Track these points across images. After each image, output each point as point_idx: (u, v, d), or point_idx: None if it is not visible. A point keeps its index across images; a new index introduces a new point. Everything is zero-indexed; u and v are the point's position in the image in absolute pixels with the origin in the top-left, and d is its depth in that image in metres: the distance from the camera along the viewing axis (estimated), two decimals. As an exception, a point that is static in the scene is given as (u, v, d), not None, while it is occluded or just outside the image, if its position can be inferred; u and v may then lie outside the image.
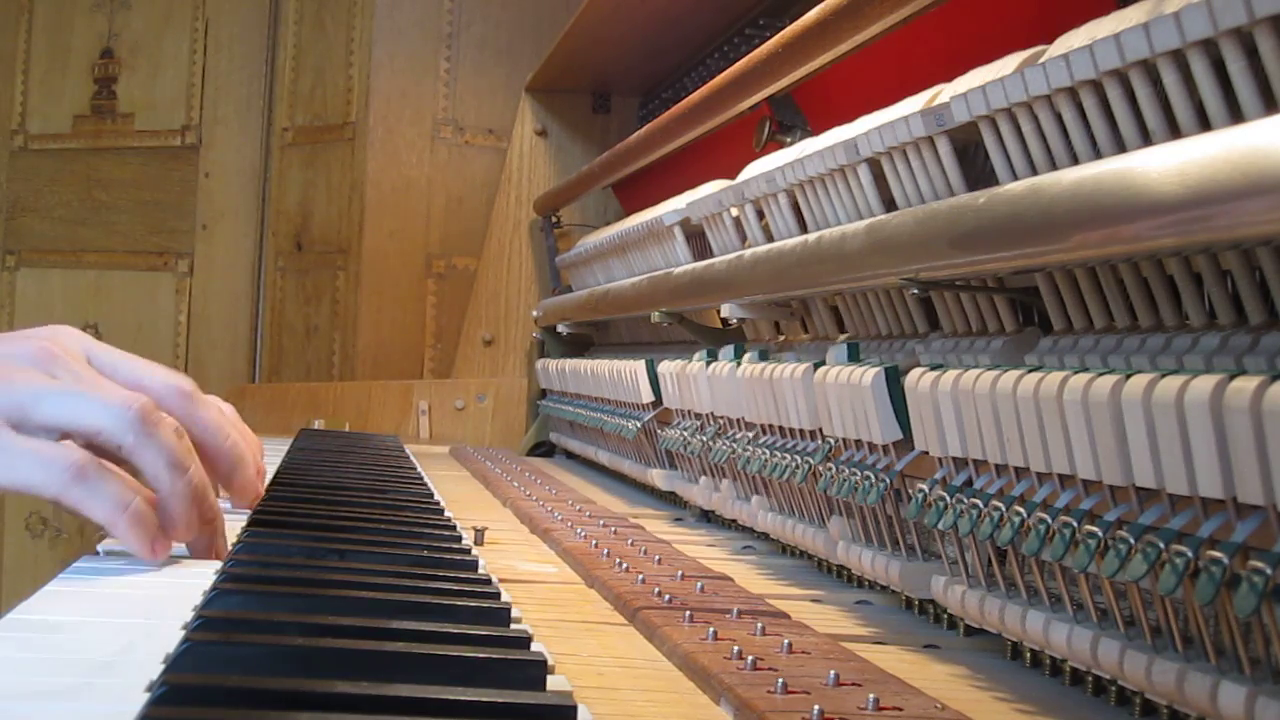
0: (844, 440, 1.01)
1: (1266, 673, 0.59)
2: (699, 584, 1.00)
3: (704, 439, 1.34)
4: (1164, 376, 0.62)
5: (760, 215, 1.26)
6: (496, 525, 1.33)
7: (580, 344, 2.45)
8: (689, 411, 1.43)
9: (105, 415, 0.85)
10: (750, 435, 1.23)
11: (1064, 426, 0.69)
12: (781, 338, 1.38)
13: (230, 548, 0.91)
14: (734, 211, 1.34)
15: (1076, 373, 0.69)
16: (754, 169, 1.28)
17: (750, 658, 0.73)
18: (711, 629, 0.81)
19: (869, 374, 0.93)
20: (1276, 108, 0.60)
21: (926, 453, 0.87)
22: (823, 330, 1.23)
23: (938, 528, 0.83)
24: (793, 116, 1.58)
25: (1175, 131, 0.67)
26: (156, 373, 0.96)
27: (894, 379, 0.92)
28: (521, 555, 1.18)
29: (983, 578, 0.83)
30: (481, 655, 0.63)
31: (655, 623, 0.84)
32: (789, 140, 1.52)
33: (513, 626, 0.74)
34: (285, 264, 3.31)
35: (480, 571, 0.90)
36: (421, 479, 1.56)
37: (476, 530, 1.18)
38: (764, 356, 1.22)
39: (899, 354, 1.03)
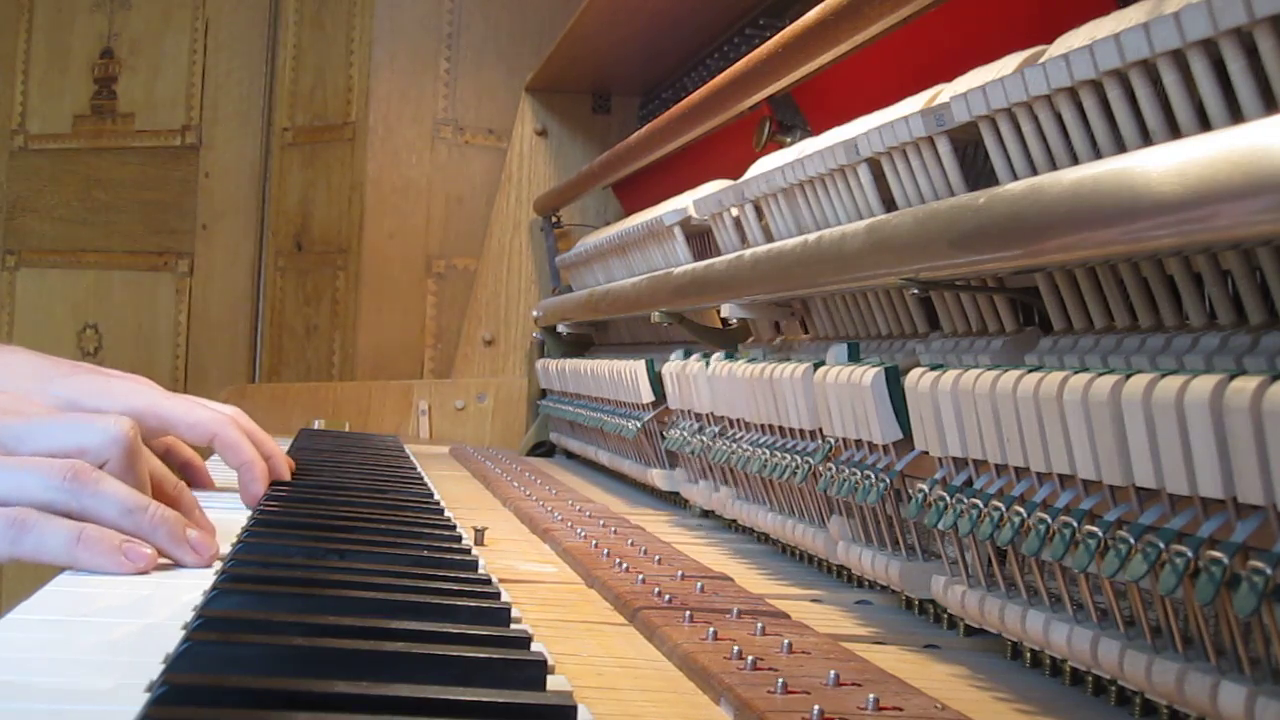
0: (844, 440, 1.01)
1: (1266, 673, 0.59)
2: (699, 584, 1.00)
3: (704, 439, 1.34)
4: (1164, 376, 0.62)
5: (760, 215, 1.26)
6: (496, 525, 1.33)
7: (580, 344, 2.45)
8: (689, 411, 1.43)
9: (44, 489, 0.84)
10: (750, 435, 1.23)
11: (1064, 426, 0.69)
12: (781, 338, 1.38)
13: (230, 547, 0.92)
14: (734, 211, 1.34)
15: (1076, 373, 0.69)
16: (760, 168, 1.28)
17: (750, 658, 0.73)
18: (711, 629, 0.81)
19: (869, 374, 0.93)
20: (1276, 108, 0.60)
21: (926, 453, 0.87)
22: (823, 330, 1.23)
23: (938, 528, 0.83)
24: (793, 116, 1.58)
25: (1175, 131, 0.67)
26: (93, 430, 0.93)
27: (894, 379, 0.92)
28: (521, 555, 1.18)
29: (983, 578, 0.83)
30: (481, 655, 0.63)
31: (655, 623, 0.84)
32: (789, 140, 1.52)
33: (513, 626, 0.74)
34: (285, 264, 3.31)
35: (480, 571, 0.90)
36: (421, 479, 1.56)
37: (476, 530, 1.18)
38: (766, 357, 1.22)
39: (899, 354, 1.03)
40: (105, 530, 0.85)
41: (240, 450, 1.17)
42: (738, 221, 1.35)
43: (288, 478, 1.25)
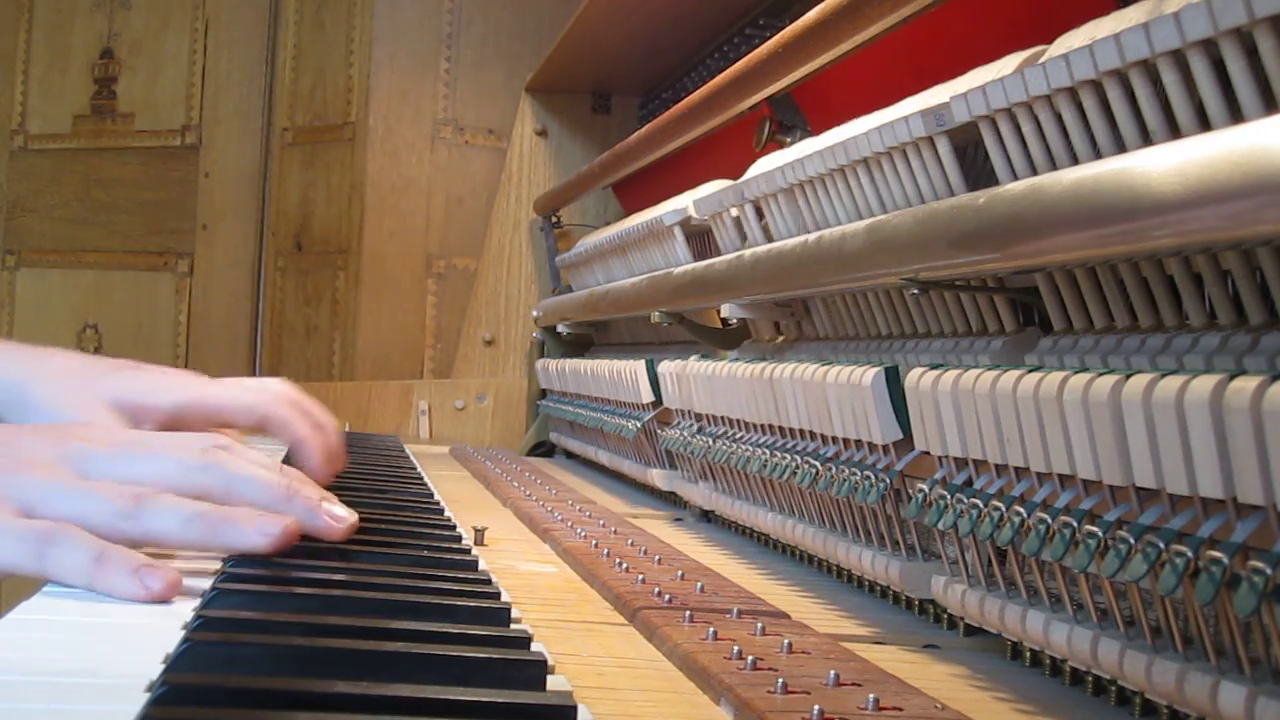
0: (844, 440, 1.01)
1: (1266, 673, 0.59)
2: (699, 584, 1.00)
3: (704, 439, 1.34)
4: (1164, 376, 0.62)
5: (760, 215, 1.26)
6: (496, 525, 1.33)
7: (580, 344, 2.45)
8: (689, 411, 1.43)
9: (102, 513, 0.81)
10: (750, 435, 1.23)
11: (1064, 426, 0.69)
12: (780, 338, 1.38)
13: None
14: (734, 211, 1.34)
15: (1076, 373, 0.69)
16: (760, 168, 1.28)
17: (750, 658, 0.73)
18: (711, 629, 0.81)
19: (869, 374, 0.93)
20: (1276, 108, 0.60)
21: (926, 453, 0.87)
22: (823, 330, 1.23)
23: (938, 528, 0.83)
24: (793, 116, 1.58)
25: (1175, 131, 0.67)
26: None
27: (894, 379, 0.92)
28: (521, 555, 1.18)
29: (983, 578, 0.83)
30: (481, 655, 0.63)
31: (655, 623, 0.84)
32: (789, 140, 1.52)
33: (513, 626, 0.74)
34: (285, 264, 3.31)
35: (480, 571, 0.90)
36: (421, 479, 1.56)
37: (476, 530, 1.18)
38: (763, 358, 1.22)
39: (898, 354, 1.03)
40: (129, 552, 0.79)
41: (291, 427, 1.12)
42: (738, 221, 1.35)
43: (339, 449, 1.17)
